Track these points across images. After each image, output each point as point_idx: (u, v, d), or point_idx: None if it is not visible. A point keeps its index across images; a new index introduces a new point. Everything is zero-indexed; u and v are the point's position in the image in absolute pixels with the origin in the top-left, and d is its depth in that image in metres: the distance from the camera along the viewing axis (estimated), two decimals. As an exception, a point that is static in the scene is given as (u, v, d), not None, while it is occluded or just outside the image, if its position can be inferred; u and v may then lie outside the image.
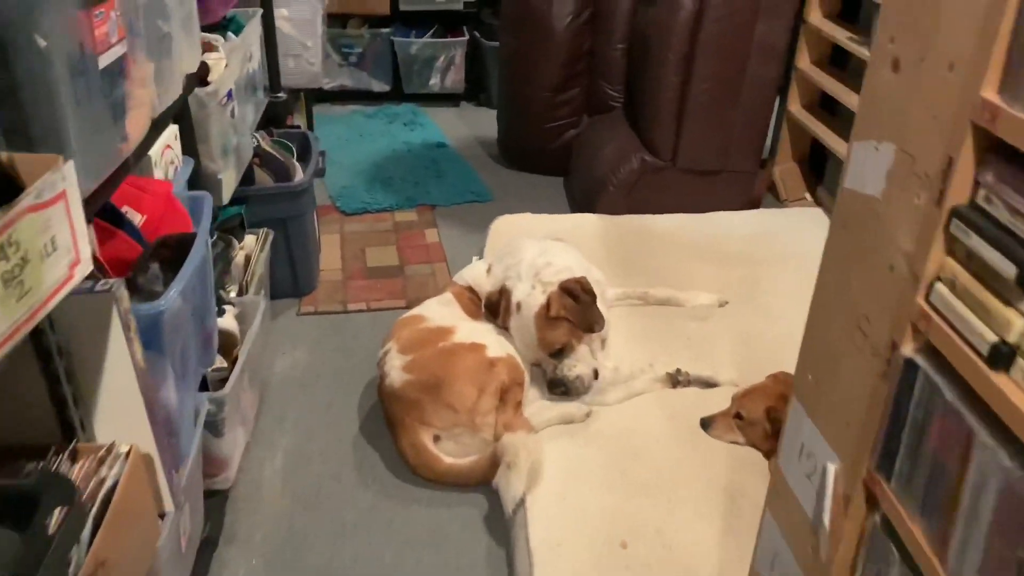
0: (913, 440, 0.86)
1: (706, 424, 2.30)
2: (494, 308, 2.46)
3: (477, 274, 2.61)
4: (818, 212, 3.51)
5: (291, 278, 3.04)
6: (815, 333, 1.02)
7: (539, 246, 2.53)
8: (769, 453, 2.22)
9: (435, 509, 2.18)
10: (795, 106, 3.97)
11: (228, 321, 2.20)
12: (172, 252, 1.52)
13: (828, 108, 3.94)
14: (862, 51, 3.37)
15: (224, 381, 2.09)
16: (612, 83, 3.93)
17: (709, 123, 3.34)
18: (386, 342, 2.42)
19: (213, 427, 2.02)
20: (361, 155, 4.34)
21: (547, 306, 2.33)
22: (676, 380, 2.49)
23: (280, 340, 2.85)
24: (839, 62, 3.81)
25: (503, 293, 2.43)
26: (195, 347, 1.68)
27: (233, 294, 2.50)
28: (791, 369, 2.49)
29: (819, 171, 4.09)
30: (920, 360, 0.85)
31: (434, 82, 5.11)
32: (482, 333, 2.40)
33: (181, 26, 1.91)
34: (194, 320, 1.62)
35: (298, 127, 3.47)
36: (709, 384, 2.52)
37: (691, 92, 3.29)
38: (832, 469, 1.01)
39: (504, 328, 2.45)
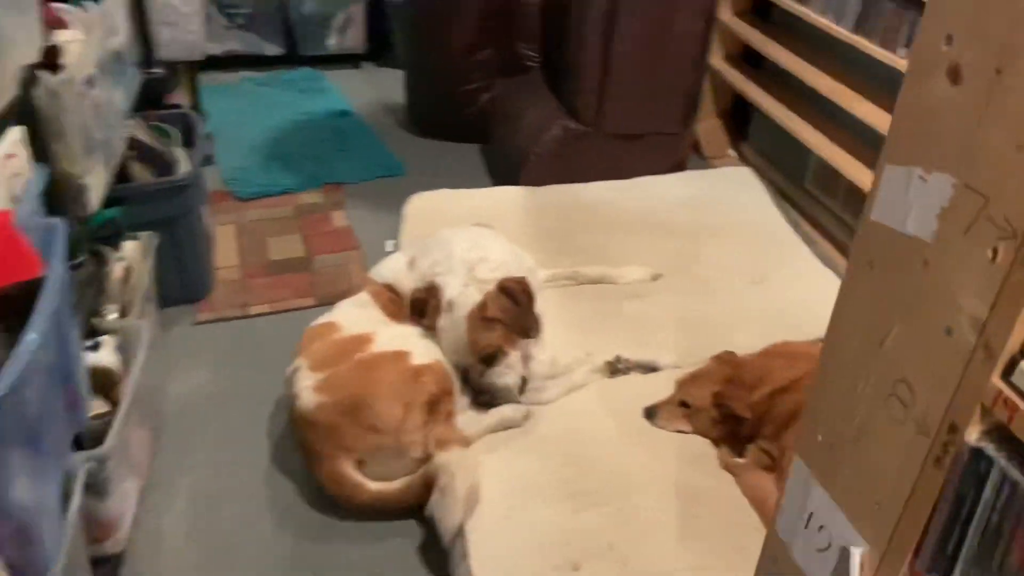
0: (984, 547, 0.68)
1: (651, 414, 2.14)
2: (421, 307, 2.20)
3: (397, 269, 2.33)
4: (747, 172, 3.36)
5: (183, 282, 2.70)
6: (829, 387, 0.82)
7: (467, 237, 2.27)
8: (718, 441, 2.08)
9: (366, 546, 1.95)
10: (716, 59, 3.79)
11: (106, 356, 1.87)
12: (12, 306, 1.20)
13: (751, 61, 3.77)
14: (787, 1, 3.20)
15: (106, 426, 1.78)
16: (527, 42, 3.66)
17: (634, 85, 3.12)
18: (295, 357, 2.13)
19: (95, 488, 1.71)
20: (255, 130, 3.95)
21: (483, 306, 2.10)
22: (616, 368, 2.32)
23: (175, 357, 2.52)
24: (763, 12, 3.63)
25: (432, 291, 2.17)
26: (57, 418, 1.37)
27: (113, 316, 2.16)
28: (736, 349, 2.38)
29: (742, 126, 3.94)
30: (993, 452, 0.66)
31: (332, 42, 4.71)
32: (404, 338, 2.15)
33: (9, 5, 1.54)
34: (52, 386, 1.31)
35: (180, 107, 3.07)
36: (650, 368, 2.36)
37: (614, 52, 3.05)
38: (857, 555, 0.82)
39: (430, 328, 2.20)
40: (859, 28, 2.77)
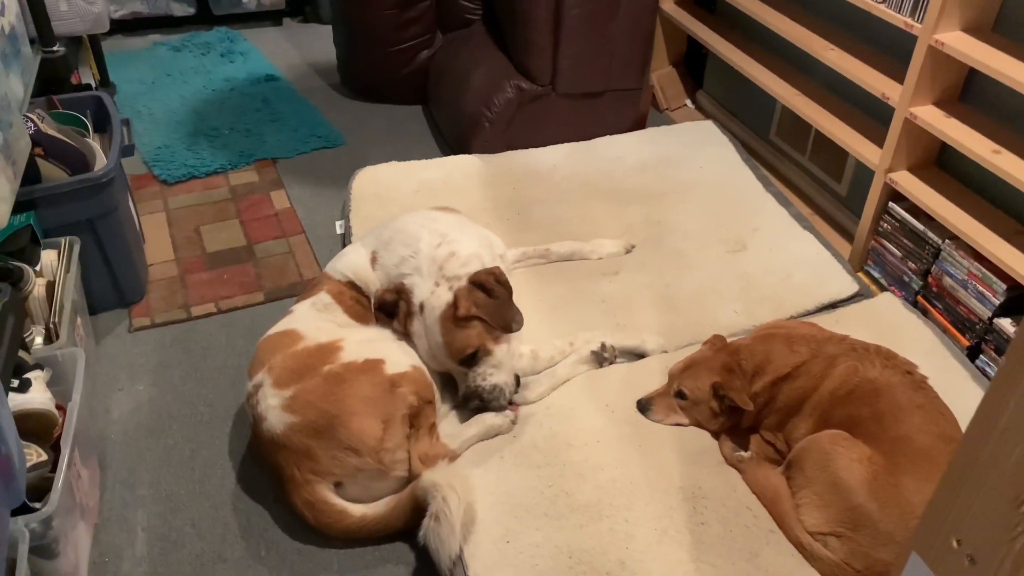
0: None
1: (644, 407, 2.02)
2: (390, 309, 2.01)
3: (358, 265, 2.12)
4: (708, 125, 3.21)
5: (113, 287, 2.43)
6: (973, 489, 0.67)
7: (433, 230, 2.07)
8: (718, 432, 1.97)
9: (352, 575, 1.79)
10: (668, 3, 3.60)
11: (38, 396, 1.64)
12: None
13: (704, 4, 3.59)
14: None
15: (47, 479, 1.56)
16: (467, -7, 3.39)
17: (589, 39, 2.91)
18: (254, 372, 1.92)
19: (42, 551, 1.50)
20: (174, 102, 3.60)
21: (455, 304, 1.91)
22: (602, 358, 2.17)
23: (113, 371, 2.27)
24: (715, -48, 3.44)
25: (401, 293, 1.98)
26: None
27: (39, 342, 1.90)
28: (721, 327, 2.27)
29: (697, 74, 3.79)
30: None
31: (248, -2, 4.32)
32: (376, 344, 1.96)
33: None
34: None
35: (88, 86, 2.73)
36: (637, 354, 2.22)
37: (565, 4, 2.83)
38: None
39: (403, 333, 2.01)
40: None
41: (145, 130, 3.34)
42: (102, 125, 2.54)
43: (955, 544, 0.68)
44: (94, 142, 2.39)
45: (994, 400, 0.64)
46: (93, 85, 2.91)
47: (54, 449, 1.65)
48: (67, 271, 2.08)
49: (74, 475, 1.68)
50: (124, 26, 4.16)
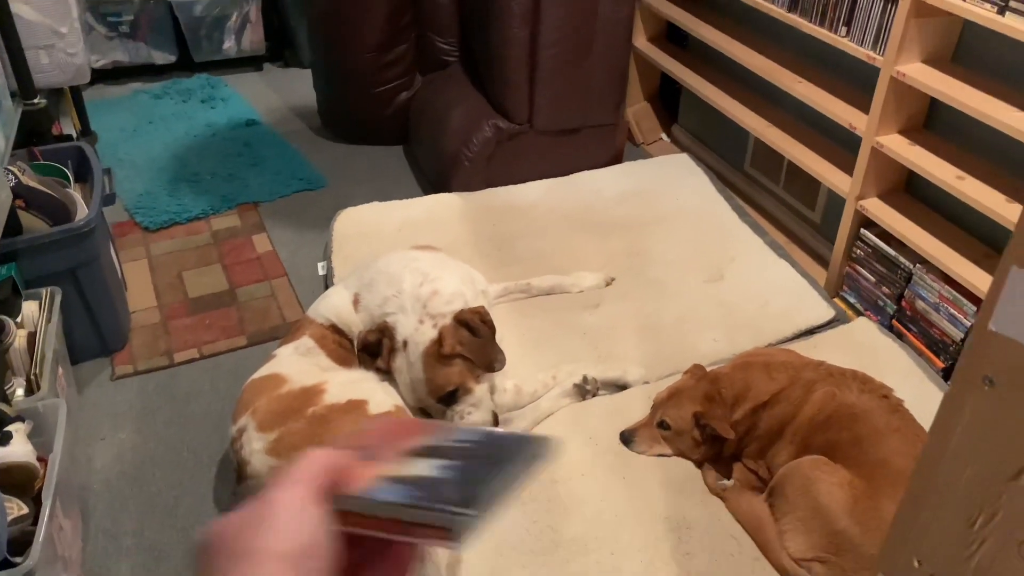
0: None
1: (627, 439, 2.02)
2: (374, 350, 2.02)
3: (340, 308, 2.13)
4: (684, 158, 3.27)
5: (95, 335, 2.43)
6: (930, 510, 0.69)
7: (415, 269, 2.09)
8: (700, 461, 1.98)
9: (340, 620, 1.77)
10: (640, 40, 3.68)
11: (19, 448, 1.63)
12: None
13: (676, 40, 3.68)
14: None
15: (28, 533, 1.55)
16: (443, 35, 3.46)
17: (564, 77, 2.97)
18: (238, 416, 1.92)
19: (23, 605, 1.49)
20: (155, 148, 3.63)
21: (439, 342, 1.93)
22: (585, 391, 2.18)
23: (96, 420, 2.27)
24: (684, -10, 3.53)
25: (384, 331, 1.99)
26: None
27: (20, 393, 1.90)
28: (701, 356, 2.30)
29: (671, 108, 3.86)
30: None
31: (229, 45, 4.38)
32: (359, 384, 1.96)
33: None
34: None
35: (69, 137, 2.76)
36: (619, 386, 2.24)
37: (541, 44, 2.89)
38: None
39: (386, 371, 2.02)
40: (793, 6, 2.69)
41: (127, 177, 3.36)
42: (83, 175, 2.56)
43: (916, 564, 0.70)
44: (75, 192, 2.41)
45: (944, 422, 0.66)
46: (74, 135, 2.93)
47: (35, 502, 1.65)
48: (48, 321, 2.09)
49: (56, 527, 1.67)
50: (105, 75, 4.20)
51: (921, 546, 0.70)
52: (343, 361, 2.08)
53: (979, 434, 0.62)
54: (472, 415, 1.96)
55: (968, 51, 2.32)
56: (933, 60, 2.32)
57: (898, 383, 1.91)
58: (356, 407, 1.88)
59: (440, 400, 1.98)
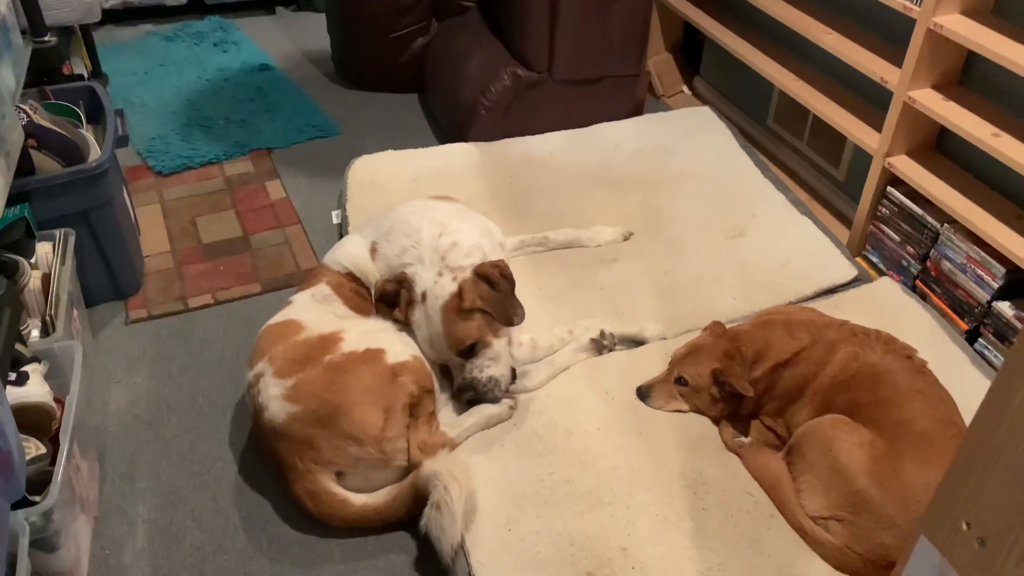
0: None
1: (644, 394, 2.01)
2: (391, 300, 2.00)
3: (357, 256, 2.11)
4: (707, 112, 3.19)
5: (109, 279, 2.42)
6: (983, 471, 0.66)
7: (433, 219, 2.05)
8: (718, 419, 1.97)
9: (354, 565, 1.79)
10: (664, -11, 3.57)
11: (36, 389, 1.62)
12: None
13: (701, -11, 3.57)
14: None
15: (46, 472, 1.56)
16: (462, -20, 3.37)
17: (586, 24, 2.89)
18: (255, 361, 1.91)
19: (44, 544, 1.50)
20: (167, 92, 3.57)
21: (459, 295, 1.91)
22: (602, 345, 2.16)
23: (111, 364, 2.26)
24: (711, -63, 3.41)
25: (403, 282, 1.97)
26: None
27: (35, 334, 1.89)
28: (720, 314, 2.27)
29: (693, 60, 3.77)
30: None
31: (241, -13, 4.28)
32: (376, 334, 1.95)
33: None
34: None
35: (80, 77, 2.71)
36: (636, 342, 2.22)
37: (562, -12, 2.81)
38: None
39: (404, 323, 2.00)
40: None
41: (138, 121, 3.32)
42: (95, 116, 2.52)
43: (965, 527, 0.68)
44: (88, 133, 2.37)
45: (1005, 384, 0.63)
46: (85, 76, 2.88)
47: (53, 442, 1.65)
48: (62, 263, 2.07)
49: (73, 468, 1.67)
50: (115, 16, 4.13)
51: (970, 509, 0.68)
52: (360, 309, 2.06)
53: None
54: (491, 368, 1.95)
55: (1010, 2, 2.23)
56: (972, 12, 2.24)
57: (920, 344, 1.89)
58: (374, 356, 1.87)
59: (459, 354, 1.96)
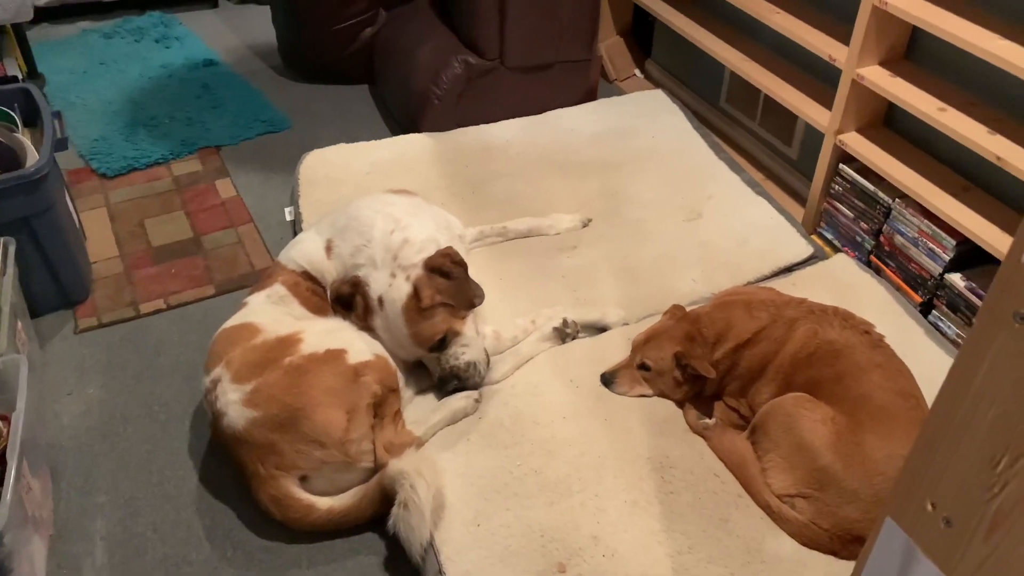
0: None
1: (608, 380, 2.01)
2: (347, 302, 1.97)
3: (312, 254, 2.07)
4: (659, 94, 3.20)
5: (55, 287, 2.34)
6: (945, 450, 0.66)
7: (387, 215, 2.02)
8: (683, 402, 1.98)
9: (323, 568, 1.76)
10: (612, -28, 3.56)
11: (-22, 407, 1.56)
12: None
13: (649, -29, 3.56)
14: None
15: (-6, 493, 1.50)
16: (408, -32, 3.31)
17: (536, 10, 2.87)
18: (211, 367, 1.87)
19: (-6, 568, 1.44)
20: (109, 91, 3.46)
21: (416, 295, 1.88)
22: (564, 334, 2.15)
23: (61, 375, 2.19)
24: (657, -82, 3.40)
25: (356, 285, 1.94)
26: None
27: (-23, 350, 1.82)
28: (681, 296, 2.28)
29: (645, 43, 3.76)
30: None
31: (181, -20, 4.16)
32: (336, 333, 1.91)
33: None
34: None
35: (15, 79, 2.60)
36: (599, 328, 2.22)
37: (510, -26, 2.78)
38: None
39: (363, 328, 1.97)
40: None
41: (80, 122, 3.21)
42: (32, 119, 2.43)
43: (930, 507, 0.68)
44: (24, 137, 2.28)
45: (967, 362, 0.63)
46: (20, 77, 2.78)
47: (0, 462, 1.59)
48: (3, 273, 2.00)
49: (24, 488, 1.61)
50: (50, 13, 3.99)
51: (936, 489, 0.68)
52: (317, 309, 2.02)
53: (1007, 373, 0.59)
54: (465, 355, 1.94)
55: (950, -22, 2.26)
56: (915, -12, 2.26)
57: (877, 318, 1.91)
58: (335, 356, 1.83)
59: (431, 349, 1.94)
